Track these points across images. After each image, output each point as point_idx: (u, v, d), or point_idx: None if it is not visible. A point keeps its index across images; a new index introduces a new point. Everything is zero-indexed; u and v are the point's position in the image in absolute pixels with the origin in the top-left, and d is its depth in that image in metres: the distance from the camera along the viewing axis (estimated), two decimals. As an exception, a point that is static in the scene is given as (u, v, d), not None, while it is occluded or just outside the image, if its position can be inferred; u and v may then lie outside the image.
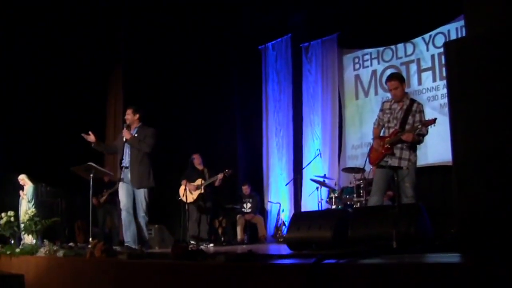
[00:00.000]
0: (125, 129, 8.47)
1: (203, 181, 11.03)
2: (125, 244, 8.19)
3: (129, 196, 8.32)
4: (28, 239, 9.50)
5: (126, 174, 8.39)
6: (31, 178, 12.03)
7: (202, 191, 10.97)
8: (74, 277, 6.36)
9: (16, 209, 11.14)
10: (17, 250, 8.31)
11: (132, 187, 8.32)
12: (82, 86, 13.83)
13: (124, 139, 8.43)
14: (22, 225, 9.77)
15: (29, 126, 13.18)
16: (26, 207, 11.40)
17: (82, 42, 13.45)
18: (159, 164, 9.92)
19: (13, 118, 13.02)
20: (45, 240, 8.23)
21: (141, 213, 8.26)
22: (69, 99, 13.61)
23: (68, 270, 6.56)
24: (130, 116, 8.58)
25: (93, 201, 11.79)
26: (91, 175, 9.11)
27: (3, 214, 9.49)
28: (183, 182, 10.99)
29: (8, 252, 8.34)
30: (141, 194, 8.28)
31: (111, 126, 14.53)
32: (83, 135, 8.40)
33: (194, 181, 11.07)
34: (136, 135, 8.42)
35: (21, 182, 11.95)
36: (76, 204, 13.02)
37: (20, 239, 10.47)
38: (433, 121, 6.65)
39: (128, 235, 8.22)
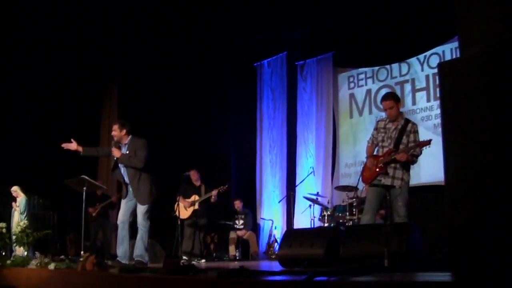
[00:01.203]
0: (113, 147, 8.19)
1: (197, 198, 11.01)
2: (117, 259, 8.04)
3: (127, 211, 8.13)
4: (20, 251, 9.45)
5: (129, 190, 8.19)
6: (23, 190, 11.99)
7: (197, 207, 10.95)
8: (65, 290, 6.34)
9: (8, 220, 11.10)
10: (8, 261, 8.27)
11: (134, 202, 8.15)
12: (77, 100, 13.83)
13: (115, 158, 8.19)
14: (13, 237, 9.72)
15: (23, 138, 13.14)
16: (18, 218, 11.36)
17: (77, 56, 13.43)
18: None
19: (6, 129, 12.99)
20: (36, 252, 8.19)
21: (141, 223, 8.04)
22: (63, 112, 13.59)
23: (59, 282, 6.54)
24: (116, 132, 8.21)
25: (90, 211, 11.80)
26: (84, 188, 9.11)
27: (-5, 225, 9.46)
28: (178, 198, 10.98)
29: (-1, 264, 8.30)
30: (143, 208, 8.06)
31: (105, 140, 14.49)
32: (63, 145, 8.26)
33: (189, 197, 11.04)
34: (127, 151, 8.10)
35: (14, 194, 11.90)
36: (68, 217, 12.95)
37: (11, 250, 10.44)
38: (428, 142, 6.67)
39: (121, 251, 8.05)
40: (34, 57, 13.09)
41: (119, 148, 8.21)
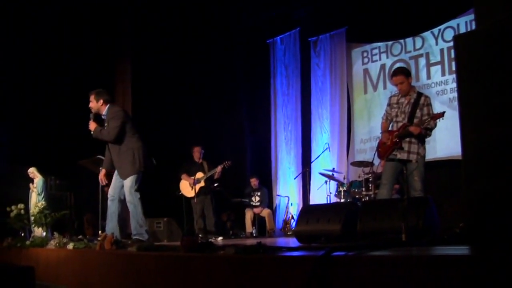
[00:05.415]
0: (91, 120, 7.58)
1: (202, 174, 11.02)
2: None
3: (117, 186, 7.64)
4: (38, 231, 9.54)
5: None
6: (40, 171, 12.07)
7: (203, 184, 10.96)
8: (83, 269, 6.40)
9: (26, 202, 11.17)
10: (27, 242, 8.34)
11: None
12: (91, 81, 13.83)
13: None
14: (32, 218, 9.80)
15: (38, 119, 13.20)
16: (36, 200, 11.45)
17: (91, 36, 13.45)
18: (168, 157, 9.87)
19: (22, 111, 13.05)
20: (55, 233, 8.25)
21: (128, 198, 7.45)
22: (77, 92, 13.59)
23: (78, 262, 6.59)
24: (93, 103, 7.58)
25: (106, 190, 11.82)
26: (100, 168, 9.12)
27: (13, 207, 9.52)
28: (182, 176, 11.02)
29: (18, 245, 8.38)
30: (128, 182, 7.45)
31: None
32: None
33: (194, 174, 11.03)
34: (106, 123, 7.49)
35: (31, 175, 11.99)
36: (84, 198, 13.04)
37: (30, 231, 10.53)
38: (441, 114, 6.65)
39: (109, 228, 7.59)
40: (48, 40, 13.10)
41: (98, 121, 7.64)
